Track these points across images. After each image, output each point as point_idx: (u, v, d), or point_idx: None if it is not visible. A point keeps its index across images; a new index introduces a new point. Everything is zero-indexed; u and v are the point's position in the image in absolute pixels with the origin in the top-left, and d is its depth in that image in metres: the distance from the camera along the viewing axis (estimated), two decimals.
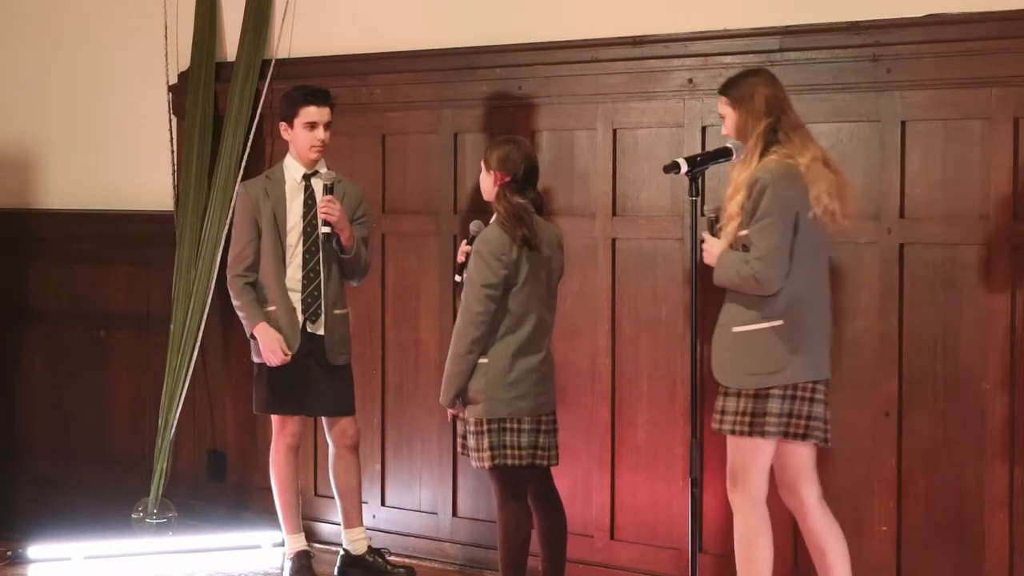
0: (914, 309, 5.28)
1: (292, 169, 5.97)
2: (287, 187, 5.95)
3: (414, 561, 6.43)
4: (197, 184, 6.91)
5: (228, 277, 6.02)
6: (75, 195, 7.55)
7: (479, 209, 6.27)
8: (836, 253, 5.40)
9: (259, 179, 6.06)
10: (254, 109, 6.82)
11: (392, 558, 6.28)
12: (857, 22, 5.34)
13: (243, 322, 5.99)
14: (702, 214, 5.09)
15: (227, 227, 6.80)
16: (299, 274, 5.91)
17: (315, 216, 5.91)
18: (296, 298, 5.90)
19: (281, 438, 6.04)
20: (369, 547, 6.16)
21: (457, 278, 5.46)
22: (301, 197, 5.95)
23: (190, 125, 6.95)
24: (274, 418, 6.04)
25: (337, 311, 5.97)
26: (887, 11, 5.28)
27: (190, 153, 6.93)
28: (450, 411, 5.44)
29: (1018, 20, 5.03)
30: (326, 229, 5.84)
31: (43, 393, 7.70)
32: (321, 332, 5.93)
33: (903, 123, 5.27)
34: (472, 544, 6.34)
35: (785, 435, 4.78)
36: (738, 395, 4.79)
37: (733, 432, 4.79)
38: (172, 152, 7.06)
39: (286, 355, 5.87)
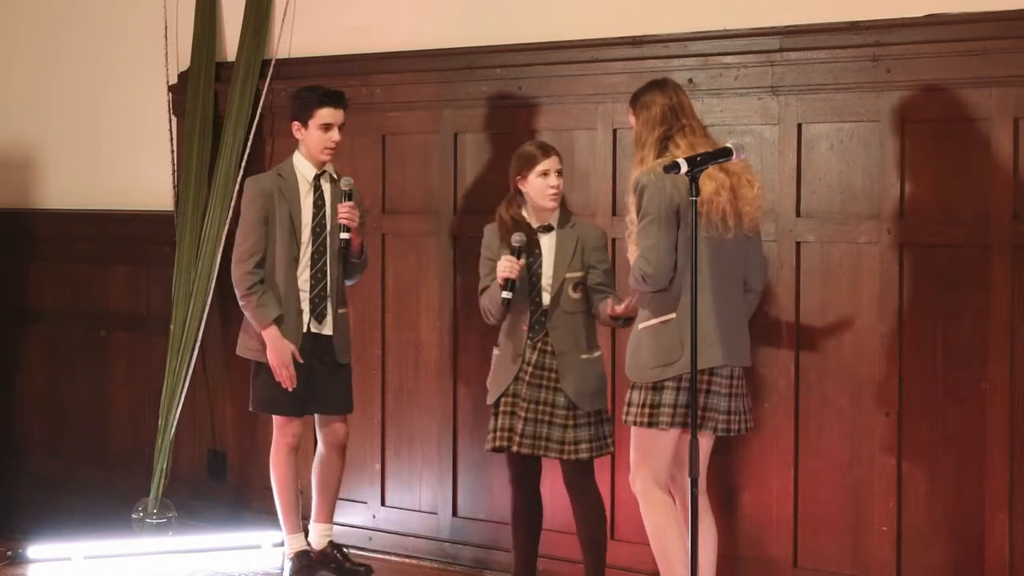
0: (914, 309, 5.29)
1: (303, 169, 5.97)
2: (299, 187, 5.95)
3: (414, 561, 6.43)
4: (197, 184, 6.91)
5: (236, 273, 5.95)
6: (75, 195, 7.55)
7: (479, 210, 6.28)
8: (836, 253, 5.41)
9: (270, 175, 6.01)
10: (254, 109, 6.82)
11: (352, 554, 6.27)
12: (857, 22, 5.34)
13: (251, 320, 5.94)
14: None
15: (227, 227, 6.81)
16: (307, 274, 5.92)
17: (324, 218, 5.91)
18: (304, 298, 5.92)
19: (282, 438, 6.05)
20: (330, 542, 6.16)
21: (507, 294, 5.40)
22: (311, 198, 5.95)
23: (190, 125, 6.95)
24: (276, 418, 6.05)
25: (341, 310, 5.99)
26: (887, 11, 5.28)
27: (190, 153, 6.93)
28: None
29: (1018, 20, 5.03)
30: (346, 235, 5.85)
31: (43, 393, 7.70)
32: (328, 332, 5.95)
33: (903, 123, 5.28)
34: (472, 544, 6.34)
35: (683, 425, 4.98)
36: (641, 388, 5.03)
37: (636, 423, 5.04)
38: (172, 152, 7.07)
39: (291, 372, 5.90)
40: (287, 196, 5.92)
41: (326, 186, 5.95)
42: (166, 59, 7.06)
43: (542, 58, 6.07)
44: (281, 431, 6.04)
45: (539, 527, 5.62)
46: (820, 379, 5.47)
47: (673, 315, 4.95)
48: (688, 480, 4.94)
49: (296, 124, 5.94)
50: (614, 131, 5.89)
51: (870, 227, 5.35)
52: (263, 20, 6.87)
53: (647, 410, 5.00)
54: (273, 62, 6.81)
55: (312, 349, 5.94)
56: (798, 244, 5.49)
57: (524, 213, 5.49)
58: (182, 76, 7.07)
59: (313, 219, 5.93)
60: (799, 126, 5.49)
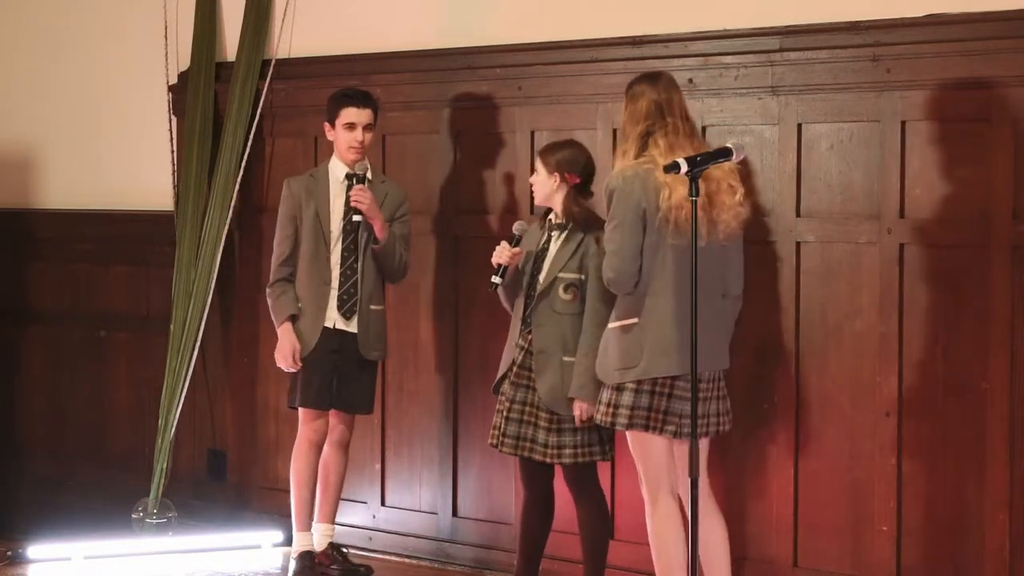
0: (914, 309, 5.28)
1: (335, 169, 6.06)
2: (330, 186, 6.03)
3: (414, 561, 6.43)
4: (197, 184, 6.91)
5: (271, 271, 6.13)
6: (75, 195, 7.55)
7: (479, 210, 6.28)
8: (836, 253, 5.41)
9: (303, 177, 6.14)
10: (254, 109, 6.82)
11: (352, 554, 6.27)
12: (857, 22, 5.34)
13: (272, 316, 6.11)
14: None
15: (227, 227, 6.82)
16: (336, 271, 5.99)
17: (354, 212, 5.96)
18: (333, 295, 5.98)
19: (304, 432, 6.10)
20: (331, 543, 6.17)
21: (496, 279, 5.42)
22: (343, 197, 6.01)
23: (190, 125, 6.95)
24: (301, 412, 6.08)
25: (373, 307, 6.05)
26: (887, 11, 5.28)
27: (190, 153, 6.94)
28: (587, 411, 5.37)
29: (1018, 20, 5.02)
30: (357, 217, 5.90)
31: (43, 393, 7.70)
32: (353, 329, 5.99)
33: (903, 123, 5.27)
34: (472, 544, 6.34)
35: (645, 428, 5.00)
36: (608, 388, 5.06)
37: (600, 422, 5.10)
38: (172, 152, 7.07)
39: (296, 364, 6.00)
40: (315, 196, 6.02)
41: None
42: (166, 59, 7.06)
43: (542, 58, 6.07)
44: (303, 425, 6.10)
45: (546, 530, 5.59)
46: (820, 379, 5.47)
47: (636, 319, 4.97)
48: (686, 483, 5.00)
49: (327, 126, 6.06)
50: (614, 131, 5.88)
51: (870, 227, 5.34)
52: (263, 20, 6.88)
53: (610, 409, 5.03)
54: (273, 62, 6.81)
55: (339, 346, 5.99)
56: (798, 244, 5.49)
57: (554, 210, 5.49)
58: (182, 76, 7.07)
59: (343, 218, 6.00)
60: (799, 126, 5.48)
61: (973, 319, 5.16)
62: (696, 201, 4.62)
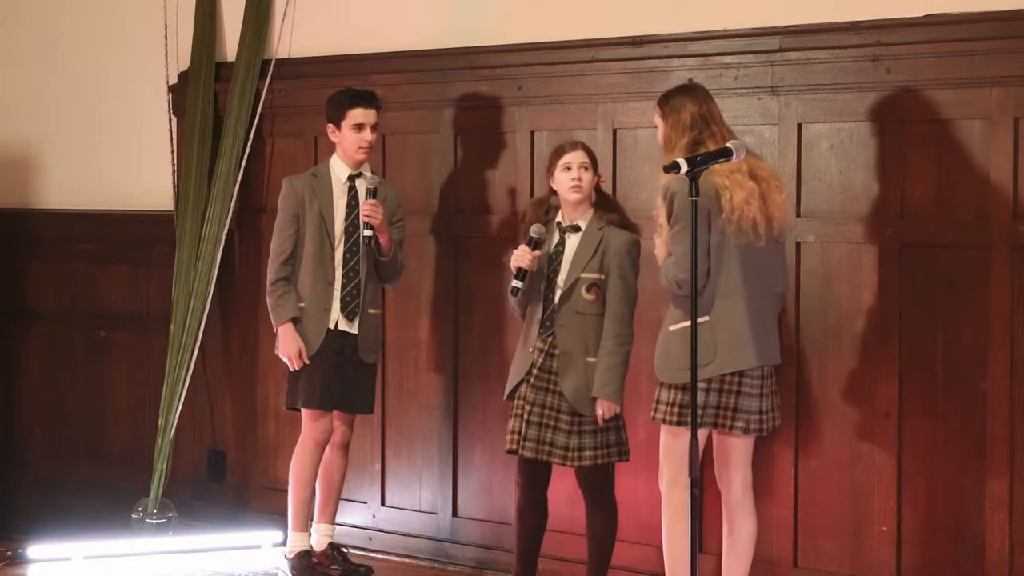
0: (914, 309, 5.29)
1: (338, 169, 6.05)
2: (333, 186, 6.02)
3: (414, 561, 6.43)
4: (197, 184, 6.91)
5: (269, 269, 6.09)
6: (75, 195, 7.55)
7: (479, 210, 6.28)
8: (836, 253, 5.42)
9: (305, 176, 6.12)
10: (254, 109, 6.82)
11: (352, 554, 6.28)
12: (857, 22, 5.34)
13: (270, 315, 6.06)
14: None
15: (227, 227, 6.82)
16: (339, 273, 5.98)
17: (357, 217, 5.95)
18: (336, 296, 5.97)
19: (309, 433, 6.08)
20: (330, 543, 6.17)
21: (517, 283, 5.39)
22: (345, 198, 6.00)
23: (190, 125, 6.95)
24: (305, 413, 6.07)
25: (372, 310, 6.05)
26: (887, 11, 5.28)
27: (190, 153, 6.94)
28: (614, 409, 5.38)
29: (1018, 20, 5.03)
30: (368, 232, 5.89)
31: (43, 393, 7.70)
32: (355, 331, 5.98)
33: (903, 123, 5.28)
34: (472, 544, 6.34)
35: (714, 426, 5.07)
36: (670, 387, 5.08)
37: (664, 421, 5.10)
38: (172, 152, 7.07)
39: (302, 363, 5.98)
40: (319, 196, 6.01)
41: (361, 187, 5.99)
42: (166, 59, 7.06)
43: (542, 58, 6.07)
44: (308, 426, 6.08)
45: (542, 529, 5.60)
46: (820, 379, 5.48)
47: (706, 318, 4.97)
48: (730, 478, 5.16)
49: (330, 127, 6.03)
50: (614, 131, 5.90)
51: (870, 227, 5.35)
52: (263, 20, 6.88)
53: (676, 409, 5.05)
54: (273, 62, 6.81)
55: (340, 347, 5.99)
56: (798, 244, 5.49)
57: (561, 211, 5.48)
58: (182, 76, 7.07)
59: (346, 219, 5.99)
60: (799, 126, 5.49)
61: (973, 319, 5.17)
62: (696, 202, 4.63)
